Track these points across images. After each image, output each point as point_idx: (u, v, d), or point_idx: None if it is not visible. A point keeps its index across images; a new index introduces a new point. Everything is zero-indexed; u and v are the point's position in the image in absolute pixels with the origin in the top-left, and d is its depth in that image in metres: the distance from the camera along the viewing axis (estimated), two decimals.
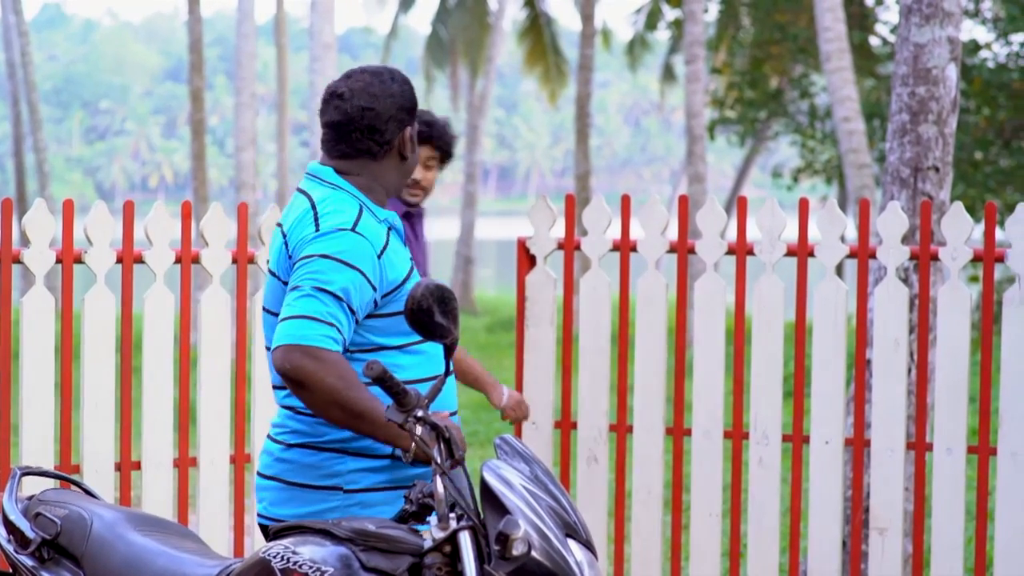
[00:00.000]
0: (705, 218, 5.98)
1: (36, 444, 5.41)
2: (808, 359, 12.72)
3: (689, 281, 12.61)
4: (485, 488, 3.47)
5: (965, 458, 5.74)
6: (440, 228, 43.67)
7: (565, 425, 6.22)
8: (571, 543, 3.50)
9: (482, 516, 3.48)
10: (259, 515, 3.88)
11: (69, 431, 5.51)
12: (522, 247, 6.17)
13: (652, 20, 31.63)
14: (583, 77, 22.78)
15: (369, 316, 3.76)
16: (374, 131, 3.86)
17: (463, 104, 35.07)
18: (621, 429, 6.14)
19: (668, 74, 35.27)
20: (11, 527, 3.99)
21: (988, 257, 5.69)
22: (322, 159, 3.94)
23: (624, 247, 6.08)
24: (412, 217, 5.57)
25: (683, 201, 6.05)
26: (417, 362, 3.82)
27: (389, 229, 3.86)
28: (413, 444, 3.53)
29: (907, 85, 6.61)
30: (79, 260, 5.51)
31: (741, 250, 5.94)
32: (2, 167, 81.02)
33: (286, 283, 3.78)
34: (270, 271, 3.86)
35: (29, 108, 24.25)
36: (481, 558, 3.45)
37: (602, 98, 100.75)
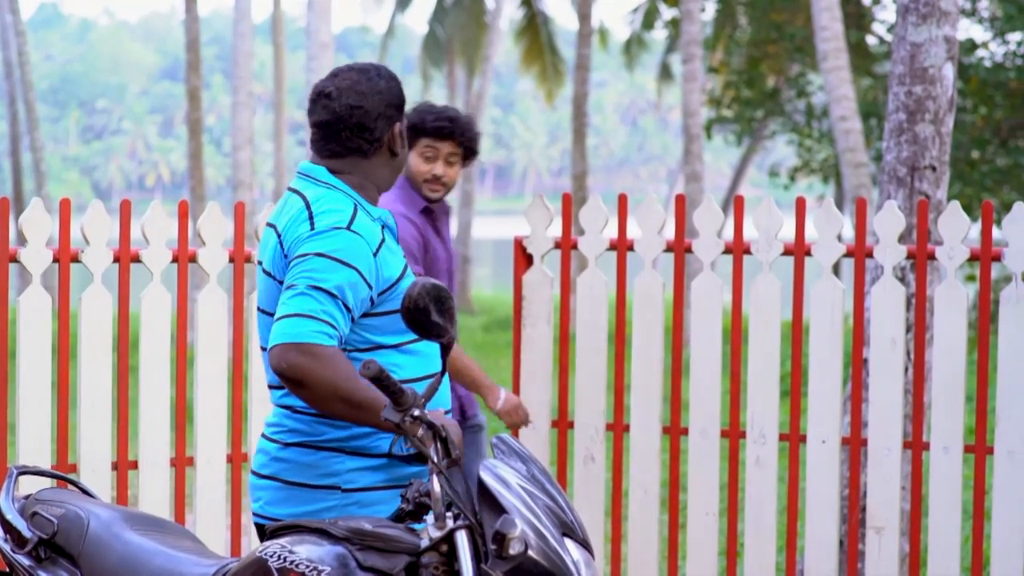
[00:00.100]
0: (702, 217, 5.98)
1: (33, 443, 5.41)
2: (805, 358, 12.71)
3: (686, 280, 12.62)
4: (482, 487, 3.47)
5: (962, 457, 5.74)
6: None
7: (562, 424, 6.21)
8: (568, 542, 3.50)
9: (479, 515, 3.47)
10: (255, 514, 3.88)
11: (66, 430, 5.50)
12: (519, 246, 6.17)
13: (649, 19, 31.64)
14: (580, 76, 22.78)
15: (365, 315, 3.76)
16: (364, 129, 3.86)
17: (460, 103, 35.05)
18: (618, 428, 6.14)
19: (665, 73, 35.27)
20: (8, 526, 3.99)
21: (985, 256, 5.70)
22: (312, 158, 3.93)
23: (621, 246, 6.07)
24: (433, 213, 5.55)
25: (680, 200, 6.05)
26: (414, 361, 3.82)
27: (383, 227, 3.86)
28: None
29: (904, 84, 6.61)
30: (76, 259, 5.50)
31: (738, 249, 5.94)
32: None
33: (282, 282, 3.77)
34: (264, 271, 3.85)
35: (26, 107, 24.24)
36: (478, 557, 3.45)
37: (599, 97, 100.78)
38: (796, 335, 5.90)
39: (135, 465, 5.64)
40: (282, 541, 3.55)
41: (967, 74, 18.90)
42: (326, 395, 3.61)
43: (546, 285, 6.16)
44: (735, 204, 6.02)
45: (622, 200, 6.04)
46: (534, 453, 5.72)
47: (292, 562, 3.48)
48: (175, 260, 5.67)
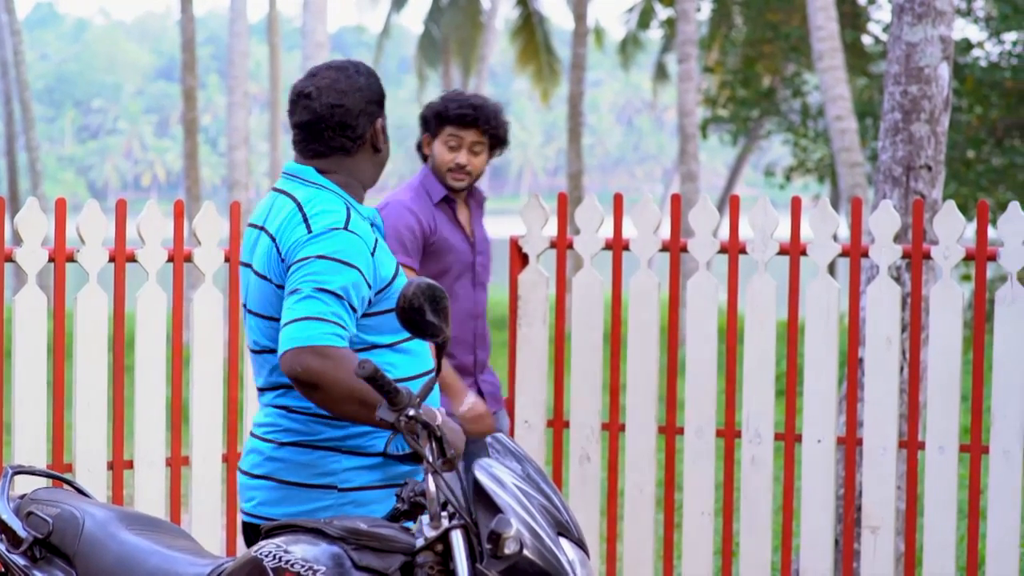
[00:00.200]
0: (697, 217, 5.98)
1: (28, 443, 5.40)
2: (800, 358, 12.70)
3: (682, 280, 12.61)
4: (477, 487, 3.47)
5: (957, 456, 5.74)
6: None
7: (557, 424, 6.22)
8: (563, 542, 3.50)
9: (474, 515, 3.47)
10: (246, 514, 3.85)
11: (61, 430, 5.50)
12: (514, 246, 6.17)
13: (645, 19, 31.68)
14: (575, 76, 22.78)
15: (362, 315, 3.75)
16: (346, 127, 3.84)
17: None
18: (613, 428, 6.14)
19: (661, 73, 35.29)
20: (3, 526, 3.99)
21: (980, 256, 5.70)
22: (297, 159, 3.91)
23: (616, 246, 6.07)
24: (454, 203, 5.51)
25: (675, 200, 6.05)
26: (408, 360, 3.82)
27: (372, 226, 3.86)
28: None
29: (899, 84, 6.62)
30: (71, 259, 5.50)
31: (733, 249, 5.94)
32: None
33: (279, 286, 3.76)
34: (257, 273, 3.82)
35: (21, 107, 24.23)
36: (473, 557, 3.44)
37: (595, 97, 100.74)
38: (792, 335, 5.91)
39: (131, 465, 5.64)
40: (277, 541, 3.54)
41: (963, 74, 18.92)
42: (342, 396, 3.58)
43: (542, 285, 6.16)
44: (731, 204, 6.02)
45: (618, 200, 6.03)
46: (530, 452, 5.72)
47: (287, 562, 3.48)
48: (171, 260, 5.67)
